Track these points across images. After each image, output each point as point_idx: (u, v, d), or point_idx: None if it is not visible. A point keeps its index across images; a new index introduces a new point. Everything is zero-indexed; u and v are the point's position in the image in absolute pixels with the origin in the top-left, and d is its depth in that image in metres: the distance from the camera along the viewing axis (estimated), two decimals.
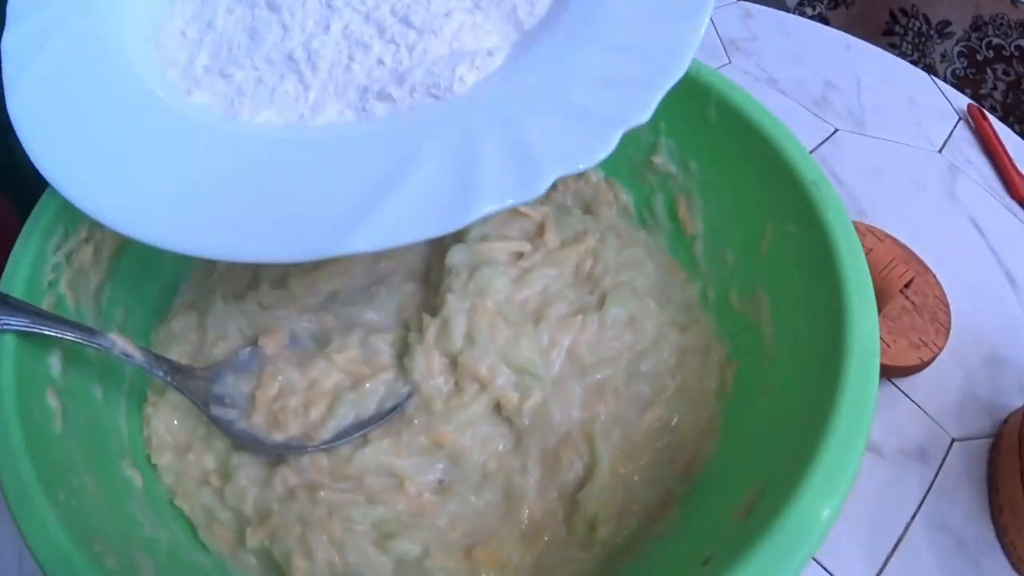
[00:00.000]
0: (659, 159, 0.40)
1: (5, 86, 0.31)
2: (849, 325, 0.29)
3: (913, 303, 0.47)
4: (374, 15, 0.31)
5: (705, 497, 0.34)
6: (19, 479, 0.28)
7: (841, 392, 0.27)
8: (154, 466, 0.36)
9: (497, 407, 0.35)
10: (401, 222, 0.24)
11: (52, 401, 0.32)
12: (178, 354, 0.38)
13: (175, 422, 0.36)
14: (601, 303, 0.37)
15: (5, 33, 0.32)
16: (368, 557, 0.32)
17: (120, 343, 0.33)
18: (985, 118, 0.60)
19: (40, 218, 0.35)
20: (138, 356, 0.34)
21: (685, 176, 0.40)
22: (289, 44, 0.31)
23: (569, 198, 0.44)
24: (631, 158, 0.42)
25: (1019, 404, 0.46)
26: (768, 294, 0.36)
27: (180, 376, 0.35)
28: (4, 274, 0.34)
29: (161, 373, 0.34)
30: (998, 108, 0.80)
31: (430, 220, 0.24)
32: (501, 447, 0.35)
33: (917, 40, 0.82)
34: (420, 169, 0.25)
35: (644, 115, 0.26)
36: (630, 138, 0.40)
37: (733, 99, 0.36)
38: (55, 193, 0.35)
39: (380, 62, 0.30)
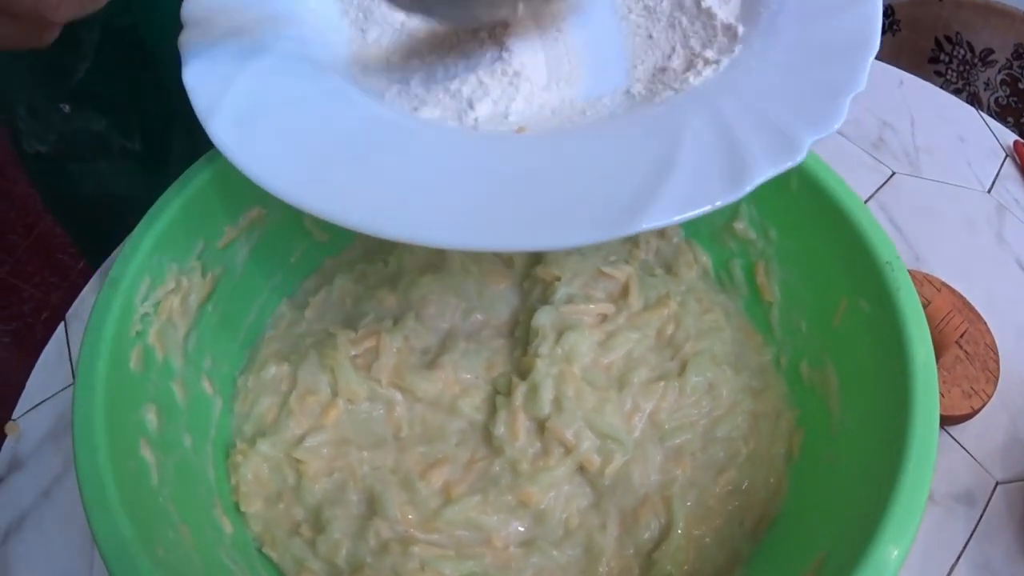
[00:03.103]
0: (740, 224, 0.41)
1: (202, 115, 0.31)
2: (913, 410, 0.30)
3: (966, 352, 0.48)
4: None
5: (771, 557, 0.35)
6: (119, 538, 0.29)
7: (901, 483, 0.28)
8: (242, 513, 0.37)
9: (580, 468, 0.36)
10: (688, 196, 0.27)
11: (147, 454, 0.33)
12: (268, 405, 0.39)
13: (265, 471, 0.37)
14: (682, 370, 0.38)
15: (185, 69, 0.32)
16: None
17: None
18: None
19: (126, 268, 0.35)
20: None
21: (765, 243, 0.40)
22: (511, 65, 0.33)
23: (651, 256, 0.44)
24: (712, 221, 0.42)
25: None
26: (836, 369, 0.37)
27: None
28: (89, 324, 0.34)
29: None
30: None
31: (714, 191, 0.27)
32: (583, 505, 0.36)
33: (962, 68, 0.82)
34: (687, 149, 0.28)
35: (860, 83, 0.29)
36: None
37: (815, 171, 0.36)
38: (139, 242, 0.36)
39: None
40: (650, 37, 0.35)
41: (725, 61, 0.31)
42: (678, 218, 0.26)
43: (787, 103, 0.29)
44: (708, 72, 0.31)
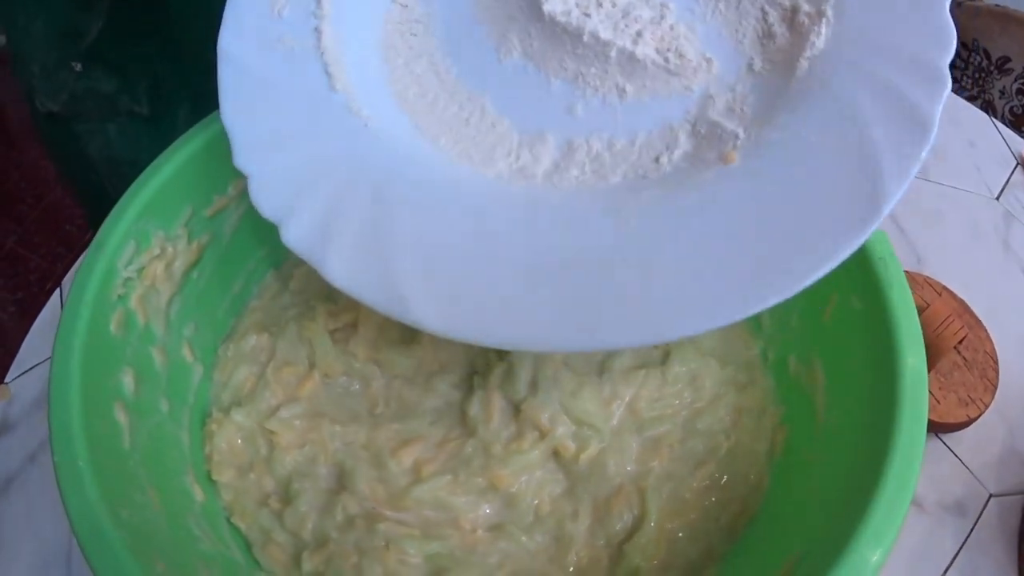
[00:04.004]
0: None
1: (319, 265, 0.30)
2: (900, 411, 0.29)
3: (964, 359, 0.47)
4: None
5: (745, 556, 0.34)
6: (83, 496, 0.29)
7: (883, 487, 0.28)
8: (213, 482, 0.37)
9: (554, 453, 0.36)
10: (903, 162, 0.26)
11: (120, 417, 0.33)
12: (246, 375, 0.38)
13: (239, 441, 0.37)
14: (665, 359, 0.37)
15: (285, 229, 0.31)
16: None
17: None
18: None
19: (112, 231, 0.35)
20: None
21: None
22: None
23: None
24: None
25: None
26: (824, 366, 0.36)
27: None
28: (72, 286, 0.34)
29: None
30: None
31: (914, 147, 0.26)
32: (555, 492, 0.36)
33: (977, 75, 0.81)
34: (873, 124, 0.27)
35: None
36: None
37: None
38: (126, 206, 0.36)
39: None
40: (732, 5, 0.33)
41: (828, 9, 0.30)
42: (905, 187, 0.26)
43: (911, 33, 0.28)
44: (824, 28, 0.30)
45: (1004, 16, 0.75)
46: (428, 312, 0.28)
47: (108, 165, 0.61)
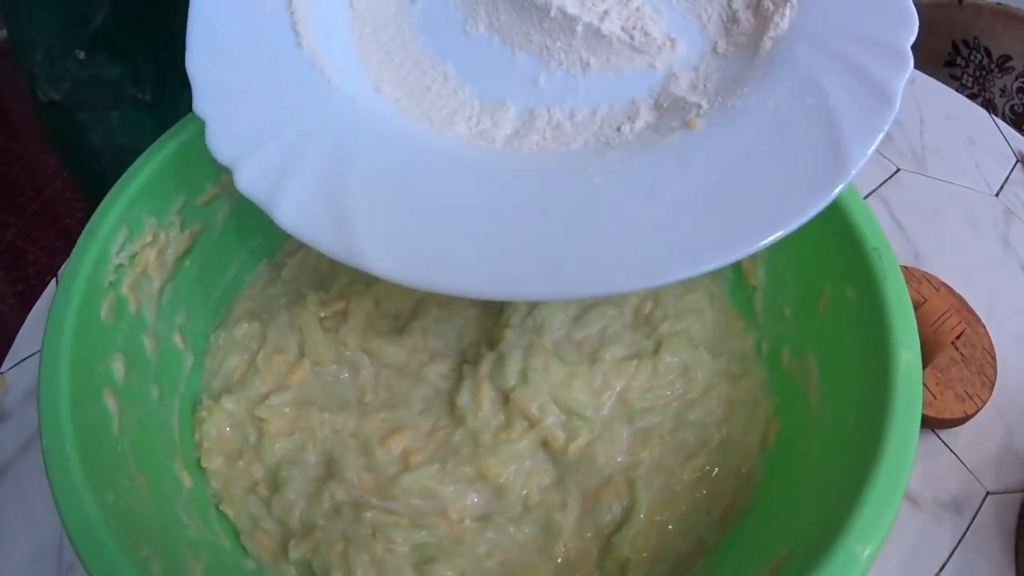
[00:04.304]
0: None
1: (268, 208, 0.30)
2: (893, 401, 0.29)
3: (962, 355, 0.47)
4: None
5: (736, 549, 0.34)
6: (69, 479, 0.29)
7: (874, 482, 0.27)
8: (203, 469, 0.37)
9: (543, 443, 0.36)
10: (865, 130, 0.27)
11: (110, 402, 0.33)
12: (236, 362, 0.38)
13: (228, 428, 0.37)
14: (656, 349, 0.37)
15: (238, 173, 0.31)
16: None
17: None
18: None
19: (104, 218, 0.36)
20: None
21: None
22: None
23: None
24: None
25: None
26: (818, 358, 0.35)
27: None
28: (65, 272, 0.34)
29: None
30: None
31: (877, 117, 0.27)
32: (544, 482, 0.35)
33: (978, 73, 0.80)
34: (835, 94, 0.28)
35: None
36: None
37: None
38: (119, 194, 0.36)
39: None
40: None
41: None
42: (871, 151, 0.27)
43: (874, 16, 0.29)
44: (788, 12, 0.31)
45: (1006, 14, 0.75)
46: (381, 258, 0.28)
47: (110, 153, 0.61)
